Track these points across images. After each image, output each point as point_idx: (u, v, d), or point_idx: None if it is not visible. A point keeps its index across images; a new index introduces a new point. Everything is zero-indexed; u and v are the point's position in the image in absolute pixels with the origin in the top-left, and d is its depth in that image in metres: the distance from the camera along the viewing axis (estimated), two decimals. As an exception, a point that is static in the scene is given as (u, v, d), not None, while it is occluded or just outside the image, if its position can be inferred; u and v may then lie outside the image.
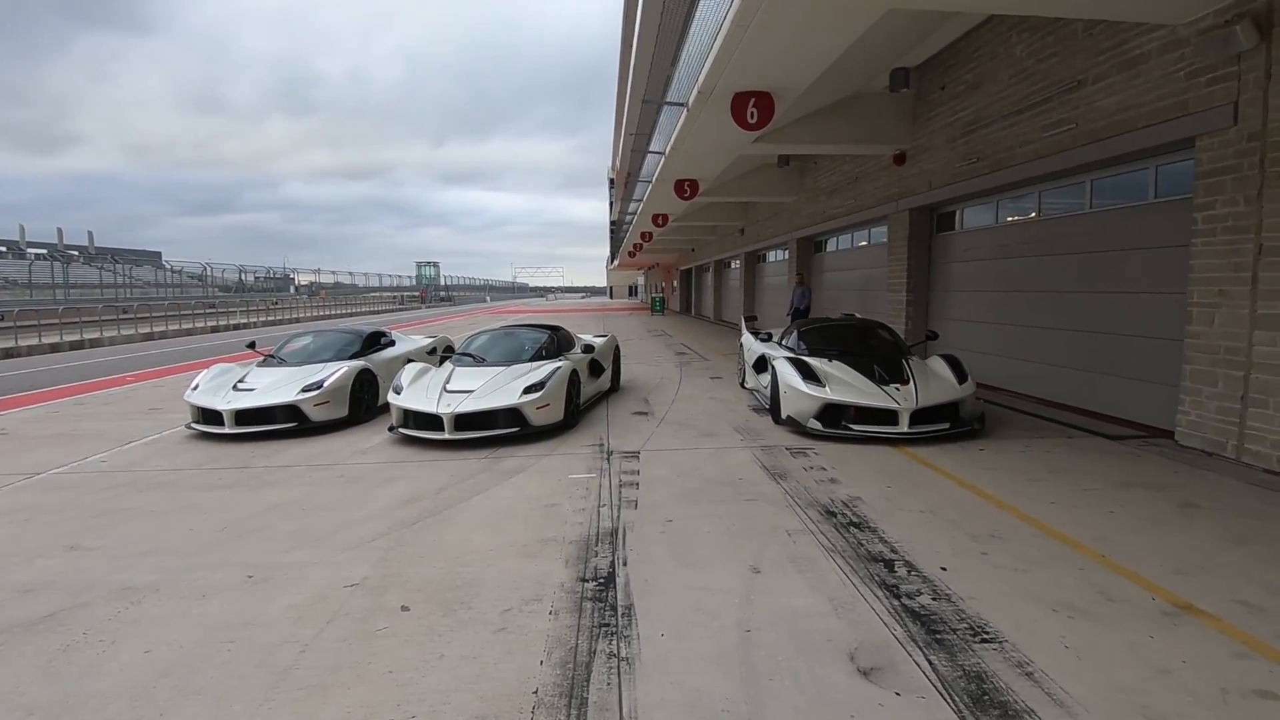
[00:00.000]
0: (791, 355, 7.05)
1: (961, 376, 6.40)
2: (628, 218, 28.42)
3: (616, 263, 48.09)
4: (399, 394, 6.67)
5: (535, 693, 2.47)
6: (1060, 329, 7.68)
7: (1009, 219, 8.86)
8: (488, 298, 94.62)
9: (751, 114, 7.78)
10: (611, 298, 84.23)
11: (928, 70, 9.77)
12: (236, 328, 29.67)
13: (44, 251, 39.28)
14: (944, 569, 3.44)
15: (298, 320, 35.73)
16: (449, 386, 6.64)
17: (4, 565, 3.75)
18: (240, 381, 7.36)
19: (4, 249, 40.60)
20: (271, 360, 8.07)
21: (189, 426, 7.14)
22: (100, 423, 7.92)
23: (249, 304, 39.22)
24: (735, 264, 25.15)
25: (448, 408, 6.30)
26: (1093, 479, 4.91)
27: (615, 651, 2.73)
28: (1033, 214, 8.32)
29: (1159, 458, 5.42)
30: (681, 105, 8.95)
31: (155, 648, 2.84)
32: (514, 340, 7.97)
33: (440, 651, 2.76)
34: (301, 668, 2.67)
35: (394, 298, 68.02)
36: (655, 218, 19.85)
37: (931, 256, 10.69)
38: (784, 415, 6.61)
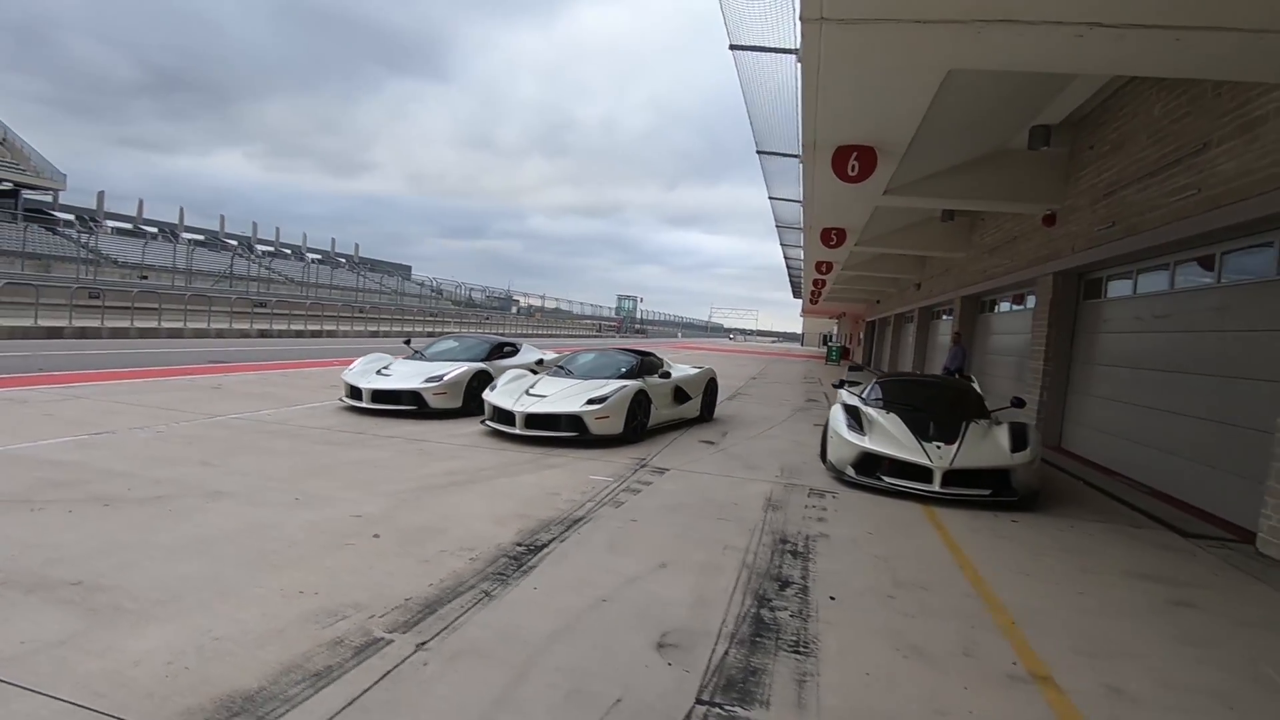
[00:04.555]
0: (849, 404, 7.11)
1: (1018, 446, 6.09)
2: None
3: (803, 308, 47.67)
4: (491, 392, 7.77)
5: (407, 600, 3.18)
6: (1176, 413, 6.90)
7: (1147, 291, 8.08)
8: (679, 333, 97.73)
9: (853, 167, 7.99)
10: (803, 345, 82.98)
11: (1082, 128, 9.22)
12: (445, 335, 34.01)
13: (319, 257, 48.21)
14: (832, 598, 3.61)
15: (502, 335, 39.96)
16: (530, 391, 7.62)
17: (154, 466, 5.23)
18: (384, 368, 8.97)
19: (289, 252, 50.25)
20: (415, 355, 9.67)
21: (341, 399, 8.81)
22: (287, 390, 9.99)
23: (464, 318, 44.58)
24: (912, 319, 24.12)
25: (522, 407, 7.26)
26: (1103, 564, 4.57)
27: (489, 591, 3.36)
28: (1164, 286, 7.56)
29: (1215, 559, 4.84)
30: (796, 156, 9.33)
31: (204, 527, 3.96)
32: (605, 360, 8.83)
33: (371, 564, 3.58)
34: (279, 554, 3.63)
35: (594, 325, 73.08)
36: (819, 264, 19.88)
37: (1076, 325, 9.88)
38: (828, 460, 6.71)
